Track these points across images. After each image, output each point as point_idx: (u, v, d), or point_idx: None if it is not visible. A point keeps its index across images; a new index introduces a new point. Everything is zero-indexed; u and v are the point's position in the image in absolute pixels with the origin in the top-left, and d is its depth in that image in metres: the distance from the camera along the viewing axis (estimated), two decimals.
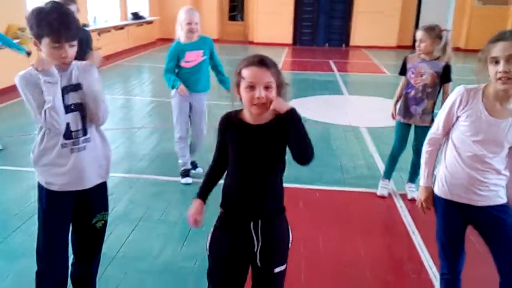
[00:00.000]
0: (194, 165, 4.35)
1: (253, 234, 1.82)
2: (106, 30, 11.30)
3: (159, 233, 3.26)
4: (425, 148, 2.22)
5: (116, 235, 3.16)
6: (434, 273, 2.83)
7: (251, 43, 15.46)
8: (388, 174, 4.03)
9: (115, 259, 2.89)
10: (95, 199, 2.19)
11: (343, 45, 15.26)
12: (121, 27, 12.29)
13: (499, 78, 1.86)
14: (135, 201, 3.77)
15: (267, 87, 1.73)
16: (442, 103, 3.68)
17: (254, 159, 1.80)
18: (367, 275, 2.84)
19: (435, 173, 2.20)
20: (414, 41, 3.79)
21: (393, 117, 3.88)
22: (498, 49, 1.85)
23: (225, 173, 1.92)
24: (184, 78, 3.98)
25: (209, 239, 1.90)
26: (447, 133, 2.12)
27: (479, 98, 1.97)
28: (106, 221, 2.25)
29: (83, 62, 2.06)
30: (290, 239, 1.93)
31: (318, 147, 5.19)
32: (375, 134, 5.66)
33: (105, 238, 2.31)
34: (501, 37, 1.87)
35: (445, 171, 2.11)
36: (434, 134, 2.17)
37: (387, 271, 2.93)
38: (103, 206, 2.25)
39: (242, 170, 1.83)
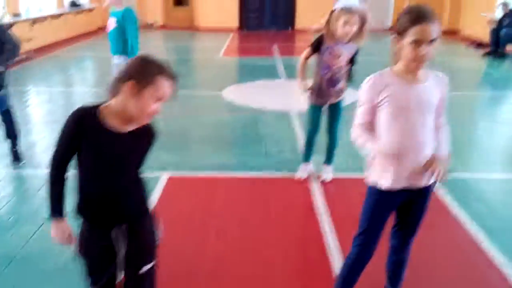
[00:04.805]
0: None
1: (118, 239, 1.80)
2: (41, 19, 10.88)
3: None
4: (356, 133, 2.07)
5: (19, 235, 3.08)
6: (335, 254, 2.92)
7: (197, 28, 15.27)
8: (306, 158, 4.09)
9: (14, 260, 2.82)
10: None
11: (290, 28, 15.31)
12: (58, 16, 11.86)
13: None
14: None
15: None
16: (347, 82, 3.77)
17: (118, 168, 1.73)
18: (275, 259, 2.88)
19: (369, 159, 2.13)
20: (329, 20, 3.70)
21: (305, 89, 3.86)
22: None
23: (76, 176, 1.77)
24: None
25: (77, 244, 1.85)
26: (368, 122, 2.05)
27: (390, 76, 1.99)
28: None
29: None
30: (158, 236, 1.93)
31: (245, 134, 5.31)
32: (304, 118, 5.70)
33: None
34: None
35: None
36: (358, 123, 2.07)
37: (293, 253, 2.98)
38: None
39: (103, 178, 1.73)
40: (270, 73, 8.63)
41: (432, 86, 1.99)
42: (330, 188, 3.87)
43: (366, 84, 2.02)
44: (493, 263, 2.87)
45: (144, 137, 1.77)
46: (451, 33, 14.35)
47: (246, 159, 4.48)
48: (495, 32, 10.54)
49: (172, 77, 1.67)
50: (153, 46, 12.03)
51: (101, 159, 1.71)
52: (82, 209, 1.81)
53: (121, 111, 1.67)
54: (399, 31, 1.89)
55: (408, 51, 1.87)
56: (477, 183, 4.05)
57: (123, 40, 4.60)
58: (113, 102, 1.68)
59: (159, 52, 11.38)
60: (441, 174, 1.97)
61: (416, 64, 1.90)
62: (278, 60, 9.98)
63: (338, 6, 3.48)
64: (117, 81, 1.66)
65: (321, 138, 4.01)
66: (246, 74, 8.57)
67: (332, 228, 3.21)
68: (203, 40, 13.47)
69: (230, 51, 11.55)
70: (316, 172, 4.11)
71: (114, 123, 1.69)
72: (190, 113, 6.05)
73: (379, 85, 1.98)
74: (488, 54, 10.67)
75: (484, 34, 11.41)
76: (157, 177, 3.97)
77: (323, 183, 3.94)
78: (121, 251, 1.82)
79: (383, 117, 2.01)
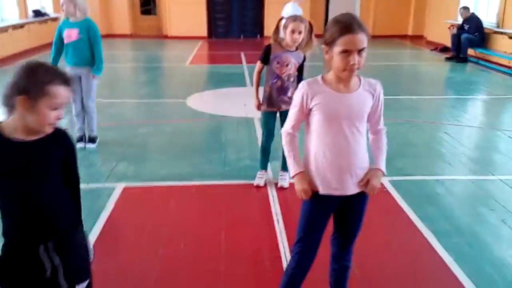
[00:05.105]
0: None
1: (46, 258, 1.70)
2: (2, 29, 10.65)
3: None
4: (284, 140, 2.15)
5: None
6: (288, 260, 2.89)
7: (166, 37, 15.18)
8: (263, 165, 4.08)
9: None
10: None
11: (258, 36, 15.36)
12: (20, 26, 11.62)
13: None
14: None
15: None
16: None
17: (35, 179, 1.65)
18: (221, 268, 2.84)
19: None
20: (277, 28, 3.80)
21: (259, 108, 3.90)
22: None
23: None
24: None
25: None
26: (298, 125, 2.11)
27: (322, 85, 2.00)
28: None
29: None
30: (91, 252, 1.86)
31: (206, 141, 5.26)
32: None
33: None
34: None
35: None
36: (290, 126, 2.12)
37: (243, 262, 2.94)
38: None
39: (22, 194, 1.64)
40: (237, 80, 8.62)
41: (365, 94, 2.00)
42: (287, 194, 3.86)
43: (300, 88, 2.03)
44: (443, 263, 2.90)
45: (57, 145, 1.70)
46: (416, 38, 14.66)
47: (205, 168, 4.44)
48: (457, 37, 10.78)
49: (65, 81, 1.62)
50: (119, 55, 11.91)
51: (16, 174, 1.64)
52: (7, 233, 1.72)
53: (22, 126, 1.62)
54: (328, 42, 1.90)
55: (338, 60, 1.88)
56: (433, 185, 4.10)
57: (88, 51, 4.59)
58: (12, 117, 1.62)
59: (125, 60, 11.27)
60: (374, 189, 2.03)
61: (346, 73, 1.91)
62: (245, 67, 9.99)
63: (285, 14, 3.53)
64: (9, 96, 1.59)
65: (279, 144, 4.00)
66: (213, 81, 8.54)
67: (286, 235, 3.19)
68: (170, 49, 13.39)
69: (198, 59, 11.50)
70: (273, 179, 4.10)
71: (19, 136, 1.63)
72: (151, 121, 5.98)
73: (311, 91, 1.99)
74: (450, 58, 10.91)
75: (447, 39, 11.66)
76: (112, 188, 3.90)
77: (281, 189, 3.93)
78: (49, 270, 1.72)
79: (314, 123, 2.03)
